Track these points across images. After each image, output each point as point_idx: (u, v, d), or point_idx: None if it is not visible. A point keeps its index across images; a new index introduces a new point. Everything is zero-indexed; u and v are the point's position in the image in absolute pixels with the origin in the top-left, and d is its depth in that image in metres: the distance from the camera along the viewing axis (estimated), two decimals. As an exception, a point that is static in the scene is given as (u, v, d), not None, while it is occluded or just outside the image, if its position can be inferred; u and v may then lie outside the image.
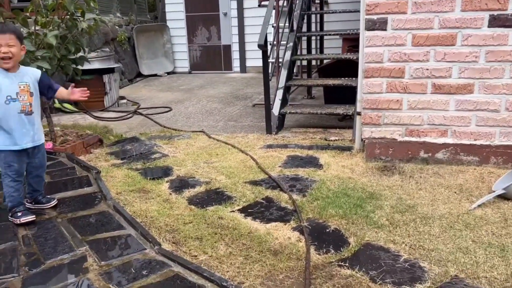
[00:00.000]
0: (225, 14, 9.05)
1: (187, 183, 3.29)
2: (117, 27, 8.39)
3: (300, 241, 2.39)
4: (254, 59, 8.97)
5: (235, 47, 9.17)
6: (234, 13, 8.95)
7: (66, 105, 5.97)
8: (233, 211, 2.80)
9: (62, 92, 2.79)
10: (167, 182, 3.33)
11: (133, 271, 2.07)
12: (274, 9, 8.14)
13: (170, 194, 3.11)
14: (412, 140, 3.45)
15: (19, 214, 2.56)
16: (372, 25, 3.31)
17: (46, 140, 4.04)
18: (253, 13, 8.73)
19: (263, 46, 4.15)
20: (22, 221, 2.54)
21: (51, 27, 3.76)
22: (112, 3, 8.73)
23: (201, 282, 1.97)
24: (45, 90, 2.68)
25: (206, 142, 4.40)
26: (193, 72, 9.49)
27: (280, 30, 5.50)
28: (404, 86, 3.35)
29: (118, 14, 8.87)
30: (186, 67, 9.54)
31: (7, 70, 2.48)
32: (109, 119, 5.54)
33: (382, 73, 3.38)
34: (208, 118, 5.50)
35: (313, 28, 6.83)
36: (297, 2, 5.33)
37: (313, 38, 6.92)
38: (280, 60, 5.12)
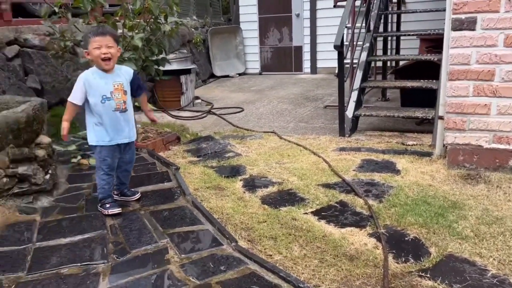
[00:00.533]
0: (298, 15, 9.05)
1: (259, 183, 3.34)
2: (193, 29, 8.72)
3: (377, 248, 2.32)
4: (325, 60, 8.89)
5: (306, 48, 9.13)
6: (306, 14, 8.93)
7: (145, 103, 6.30)
8: (306, 213, 2.79)
9: (144, 98, 2.95)
10: (240, 180, 3.41)
11: (212, 265, 2.14)
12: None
13: (244, 192, 3.17)
14: (500, 148, 3.21)
15: (108, 205, 2.75)
16: (459, 25, 3.13)
17: (129, 137, 4.33)
18: (326, 14, 8.64)
19: (339, 47, 4.09)
20: (110, 213, 2.72)
21: (137, 30, 3.99)
22: (189, 7, 9.08)
23: (277, 282, 1.99)
24: (135, 89, 2.82)
25: (278, 142, 4.43)
26: (263, 73, 9.60)
27: (356, 31, 5.38)
28: (493, 89, 3.13)
29: (194, 17, 9.21)
30: (257, 68, 9.67)
31: (104, 70, 2.63)
32: (185, 118, 5.77)
33: (468, 76, 3.18)
34: (279, 119, 5.53)
35: (389, 28, 6.60)
36: (375, 1, 5.18)
37: (389, 38, 6.68)
38: (355, 61, 5.01)
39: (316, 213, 2.78)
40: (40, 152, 3.05)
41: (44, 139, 3.26)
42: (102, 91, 2.63)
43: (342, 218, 2.69)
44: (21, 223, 2.64)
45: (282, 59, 9.41)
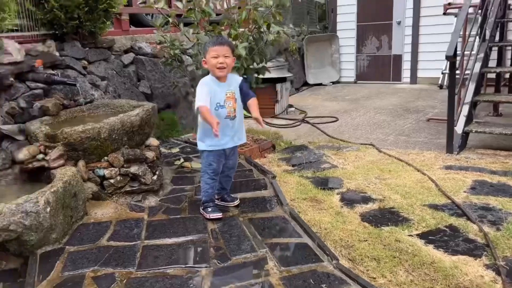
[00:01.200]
0: (399, 23, 8.66)
1: (358, 198, 3.21)
2: (289, 37, 8.77)
3: (496, 283, 2.09)
4: (427, 69, 8.40)
5: (407, 57, 8.70)
6: (408, 21, 8.51)
7: (241, 110, 6.47)
8: (411, 235, 2.61)
9: (254, 101, 2.88)
10: (337, 194, 3.30)
11: (312, 282, 2.08)
12: (455, 16, 7.50)
13: (342, 207, 3.07)
14: None
15: (209, 209, 2.83)
16: None
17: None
18: (430, 21, 8.17)
19: (451, 57, 3.80)
20: (211, 217, 2.80)
21: (241, 39, 4.09)
22: (287, 15, 9.15)
23: (383, 308, 1.87)
24: (244, 95, 2.86)
25: (376, 156, 4.24)
26: (358, 82, 9.33)
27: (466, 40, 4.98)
28: None
29: (291, 25, 9.25)
30: (352, 76, 9.44)
31: (218, 79, 2.73)
32: (279, 125, 5.80)
33: None
34: (376, 131, 5.31)
35: (509, 37, 6.01)
36: (492, 8, 4.75)
37: (505, 48, 6.08)
38: (467, 72, 4.63)
39: (422, 236, 2.59)
40: (150, 154, 3.25)
41: (154, 141, 3.48)
42: (217, 99, 2.72)
43: (453, 245, 2.47)
44: (131, 220, 2.82)
45: (380, 67, 9.07)
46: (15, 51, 3.23)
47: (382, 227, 2.72)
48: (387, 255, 2.38)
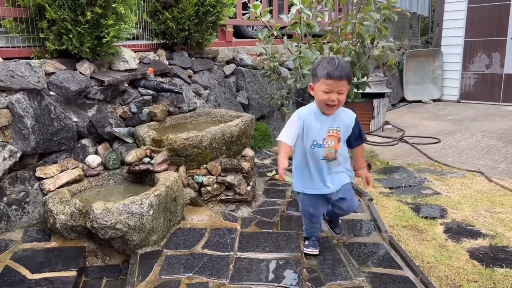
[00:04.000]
0: (515, 39, 7.88)
1: (465, 231, 2.91)
2: (388, 51, 8.42)
3: None
4: (545, 91, 7.52)
5: (521, 77, 7.87)
6: (526, 38, 7.71)
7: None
8: (533, 282, 2.29)
9: (361, 150, 2.52)
10: (441, 224, 3.03)
11: (415, 322, 1.90)
12: None
13: (446, 239, 2.80)
14: None
15: (307, 243, 2.58)
16: None
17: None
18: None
19: None
20: (307, 252, 2.52)
21: (343, 53, 3.98)
22: (388, 28, 8.82)
23: None
24: (353, 138, 2.39)
25: (486, 186, 3.84)
26: (462, 101, 8.64)
27: None
28: None
29: (391, 39, 8.90)
30: (455, 95, 8.77)
31: (323, 112, 2.30)
32: (374, 143, 5.55)
33: None
34: (484, 157, 4.83)
35: None
36: None
37: None
38: None
39: (546, 285, 2.26)
40: (245, 164, 3.28)
41: (249, 152, 3.51)
42: (314, 136, 2.30)
43: None
44: (225, 228, 2.85)
45: (488, 87, 8.31)
46: (131, 59, 3.47)
47: (495, 268, 2.43)
48: (503, 303, 2.10)
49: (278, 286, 2.20)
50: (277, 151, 2.33)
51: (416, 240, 2.78)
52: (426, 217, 3.13)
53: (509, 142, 5.42)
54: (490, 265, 2.47)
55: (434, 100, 8.82)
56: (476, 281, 2.30)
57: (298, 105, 5.72)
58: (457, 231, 2.92)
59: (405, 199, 3.52)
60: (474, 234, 2.87)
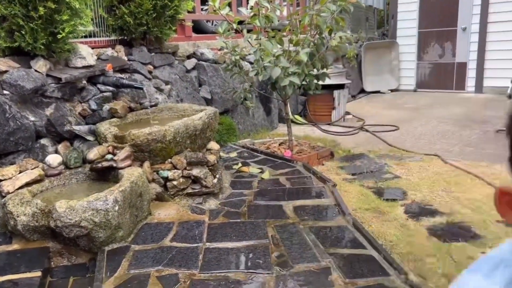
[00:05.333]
0: (464, 30, 8.26)
1: (424, 210, 3.06)
2: (347, 44, 8.61)
3: None
4: (494, 78, 7.94)
5: (472, 65, 8.26)
6: (475, 28, 8.09)
7: (297, 117, 6.43)
8: (485, 253, 2.43)
9: None
10: (401, 206, 3.17)
11: (380, 296, 1.99)
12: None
13: (407, 219, 2.94)
14: None
15: None
16: None
17: (284, 149, 4.43)
18: (499, 27, 7.74)
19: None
20: None
21: (302, 45, 4.06)
22: (345, 20, 9.02)
23: (460, 330, 1.74)
24: None
25: (442, 167, 4.03)
26: (419, 90, 8.98)
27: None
28: None
29: (349, 32, 9.10)
30: (411, 84, 9.10)
31: None
32: (336, 133, 5.69)
33: None
34: (440, 141, 5.06)
35: None
36: None
37: None
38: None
39: (498, 255, 2.41)
40: (211, 158, 3.29)
41: (214, 145, 3.52)
42: None
43: (534, 266, 2.27)
44: (193, 221, 2.85)
45: (442, 75, 8.68)
46: (88, 55, 3.40)
47: (452, 243, 2.57)
48: (459, 273, 2.23)
49: (248, 272, 2.24)
50: None
51: (378, 221, 2.90)
52: (387, 200, 3.26)
53: (462, 127, 5.69)
54: (447, 240, 2.61)
55: (392, 90, 9.11)
56: (435, 255, 2.43)
57: (261, 98, 5.78)
58: (417, 211, 3.06)
59: (367, 183, 3.65)
60: (432, 212, 3.02)
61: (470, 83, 8.36)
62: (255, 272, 2.23)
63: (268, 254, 2.40)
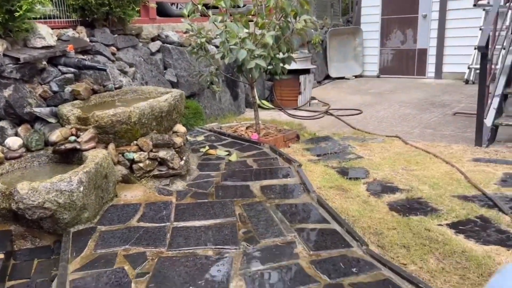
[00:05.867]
0: (425, 17, 8.50)
1: (385, 188, 3.18)
2: (312, 30, 8.70)
3: (531, 273, 2.04)
4: (452, 64, 8.25)
5: (432, 51, 8.54)
6: (435, 15, 8.34)
7: (264, 102, 6.47)
8: (441, 225, 2.58)
9: None
10: (364, 184, 3.29)
11: (342, 266, 2.08)
12: (484, 10, 7.34)
13: (369, 196, 3.05)
14: None
15: None
16: None
17: (251, 132, 4.47)
18: (458, 15, 8.01)
19: (484, 48, 3.72)
20: None
21: (268, 28, 4.08)
22: (310, 4, 9.08)
23: (416, 293, 1.85)
24: None
25: (403, 148, 4.19)
26: (382, 76, 9.21)
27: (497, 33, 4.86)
28: None
29: (314, 18, 9.18)
30: (375, 70, 9.32)
31: None
32: (302, 117, 5.78)
33: None
34: (401, 124, 5.24)
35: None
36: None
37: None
38: (499, 65, 4.52)
39: (452, 226, 2.56)
40: (177, 140, 3.29)
41: (181, 128, 3.51)
42: None
43: (485, 235, 2.43)
44: (160, 202, 2.86)
45: (404, 62, 8.93)
46: (48, 36, 3.30)
47: (411, 217, 2.70)
48: (417, 243, 2.36)
49: (215, 248, 2.28)
50: None
51: (341, 198, 2.99)
52: (350, 178, 3.37)
53: (422, 110, 5.91)
54: (407, 214, 2.73)
55: (356, 76, 9.30)
56: (395, 228, 2.54)
57: (228, 83, 5.78)
58: (378, 188, 3.18)
59: (331, 164, 3.75)
60: (393, 189, 3.15)
61: (430, 69, 8.64)
62: (223, 248, 2.27)
63: (236, 231, 2.45)
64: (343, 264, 2.09)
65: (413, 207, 2.86)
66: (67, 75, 3.36)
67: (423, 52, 8.68)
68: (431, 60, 8.60)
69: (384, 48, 9.15)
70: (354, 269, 2.04)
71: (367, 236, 2.43)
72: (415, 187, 3.17)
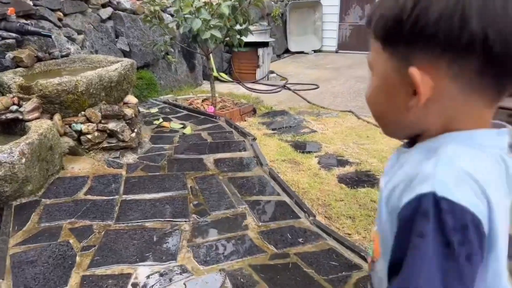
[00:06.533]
0: (383, -7, 8.59)
1: (336, 161, 3.26)
2: (272, 2, 8.61)
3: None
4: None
5: (389, 28, 8.68)
6: (392, -9, 8.44)
7: (222, 74, 6.39)
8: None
9: None
10: (316, 157, 3.35)
11: (289, 236, 2.13)
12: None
13: (320, 169, 3.11)
14: None
15: None
16: None
17: (208, 105, 4.41)
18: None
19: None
20: None
21: (224, -2, 3.98)
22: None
23: (357, 261, 1.93)
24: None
25: (355, 122, 4.29)
26: (340, 51, 9.30)
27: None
28: None
29: (274, -10, 9.07)
30: (333, 46, 9.39)
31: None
32: (260, 91, 5.77)
33: None
34: (356, 99, 5.34)
35: None
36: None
37: None
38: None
39: (396, 197, 2.67)
40: (128, 111, 3.19)
41: (132, 99, 3.41)
42: None
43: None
44: (109, 175, 2.79)
45: (362, 37, 9.03)
46: (-15, -3, 3.06)
47: (358, 189, 2.78)
48: (362, 214, 2.45)
49: (164, 221, 2.27)
50: None
51: (293, 171, 3.04)
52: (303, 152, 3.42)
53: (376, 86, 6.04)
54: (355, 186, 2.82)
55: (315, 51, 9.34)
56: (342, 200, 2.62)
57: (184, 54, 5.65)
58: (329, 162, 3.25)
59: (286, 138, 3.78)
60: (343, 163, 3.23)
61: (387, 46, 8.80)
62: (172, 221, 2.26)
63: (186, 204, 2.44)
64: (290, 234, 2.15)
65: (361, 179, 2.95)
66: (7, 41, 3.14)
67: (380, 29, 8.80)
68: (387, 37, 8.75)
69: (342, 23, 9.21)
70: (300, 239, 2.10)
71: (315, 208, 2.50)
72: (364, 160, 3.27)
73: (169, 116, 4.12)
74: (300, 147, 3.55)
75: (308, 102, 5.18)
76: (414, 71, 0.53)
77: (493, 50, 0.49)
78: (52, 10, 3.71)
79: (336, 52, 9.32)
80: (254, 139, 3.50)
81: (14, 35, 3.16)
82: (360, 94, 5.58)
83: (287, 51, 9.16)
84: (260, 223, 2.25)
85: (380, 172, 3.03)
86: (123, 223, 2.23)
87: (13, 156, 2.27)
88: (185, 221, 2.26)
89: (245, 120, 4.34)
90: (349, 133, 3.92)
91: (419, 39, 0.52)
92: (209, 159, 3.13)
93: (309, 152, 3.43)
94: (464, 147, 0.53)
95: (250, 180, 2.79)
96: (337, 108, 4.87)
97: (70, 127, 2.92)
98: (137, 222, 2.25)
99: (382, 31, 0.57)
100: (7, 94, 2.84)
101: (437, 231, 0.46)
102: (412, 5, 0.51)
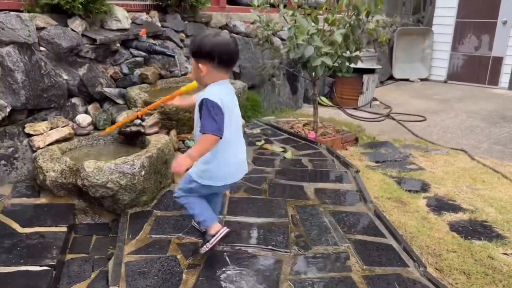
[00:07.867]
0: (504, 23, 7.92)
1: (447, 205, 3.02)
2: (380, 28, 8.39)
3: None
4: (530, 76, 7.65)
5: (508, 60, 7.95)
6: (516, 21, 7.76)
7: (323, 98, 6.35)
8: (507, 254, 2.41)
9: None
10: (424, 198, 3.13)
11: (397, 286, 1.99)
12: None
13: (428, 212, 2.90)
14: None
15: None
16: None
17: (308, 130, 4.39)
18: (543, 23, 7.39)
19: None
20: None
21: (338, 25, 3.96)
22: (383, 2, 8.74)
23: (476, 328, 1.74)
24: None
25: (468, 163, 3.95)
26: (449, 81, 8.73)
27: None
28: None
29: (384, 15, 8.84)
30: (442, 75, 8.85)
31: None
32: (362, 118, 5.61)
33: None
34: (468, 136, 4.94)
35: None
36: None
37: None
38: None
39: (520, 257, 2.38)
40: (236, 132, 3.28)
41: (240, 120, 3.50)
42: None
43: (557, 273, 2.24)
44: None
45: (476, 69, 8.40)
46: (123, 19, 3.39)
47: (473, 240, 2.54)
48: (479, 271, 2.22)
49: (266, 248, 2.26)
50: None
51: (399, 211, 2.87)
52: (410, 191, 3.23)
53: (492, 124, 5.54)
54: (469, 237, 2.58)
55: (421, 79, 8.88)
56: (455, 251, 2.41)
57: (288, 76, 5.72)
58: (439, 205, 3.02)
59: (390, 172, 3.61)
60: (455, 208, 2.98)
61: (505, 79, 8.07)
62: (273, 249, 2.26)
63: (288, 233, 2.42)
64: (398, 284, 2.01)
65: (476, 230, 2.69)
66: (137, 59, 3.45)
67: (498, 61, 8.11)
68: (506, 69, 8.02)
69: (455, 52, 8.65)
70: (409, 291, 1.96)
71: (425, 257, 2.32)
72: (479, 208, 2.98)
73: (271, 138, 4.17)
74: (406, 184, 3.35)
75: (415, 135, 4.92)
76: (200, 65, 1.90)
77: (220, 57, 1.87)
78: (177, 31, 4.01)
79: (445, 82, 8.76)
80: (358, 171, 3.38)
81: (143, 53, 3.46)
82: (473, 131, 5.16)
83: (391, 77, 8.84)
84: (365, 267, 2.14)
85: (499, 225, 2.74)
86: (226, 246, 2.27)
87: (135, 168, 2.45)
88: (286, 252, 2.23)
89: (347, 149, 4.23)
90: (461, 175, 3.61)
91: (199, 55, 1.90)
92: (309, 187, 3.09)
93: (416, 191, 3.22)
94: (215, 86, 1.91)
95: (353, 216, 2.69)
96: (446, 144, 4.55)
97: (183, 143, 3.09)
98: (240, 246, 2.28)
99: (192, 53, 1.94)
100: (133, 108, 3.10)
101: (206, 107, 1.81)
102: (196, 46, 1.91)
